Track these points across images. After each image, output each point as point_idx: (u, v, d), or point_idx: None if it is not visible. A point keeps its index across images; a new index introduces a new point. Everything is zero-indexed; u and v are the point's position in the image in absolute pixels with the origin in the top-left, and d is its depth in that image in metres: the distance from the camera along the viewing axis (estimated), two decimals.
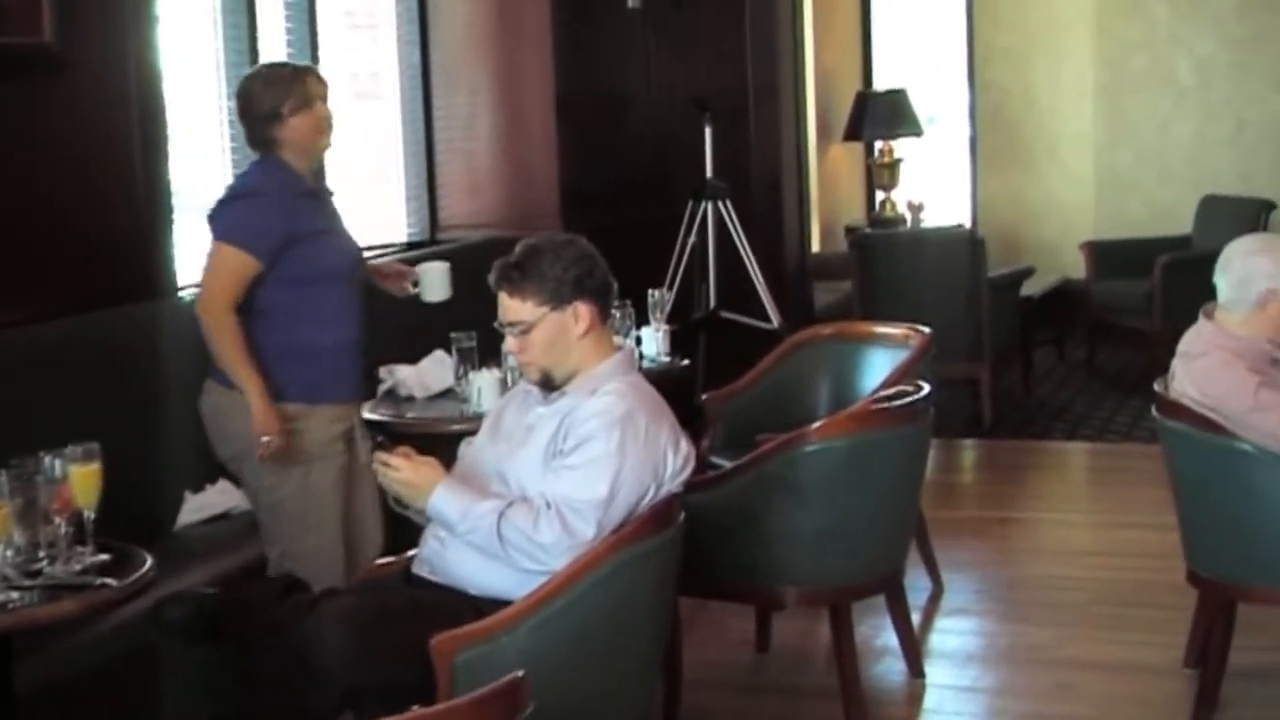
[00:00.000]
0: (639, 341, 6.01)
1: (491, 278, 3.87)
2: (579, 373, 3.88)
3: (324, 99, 4.70)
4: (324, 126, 4.70)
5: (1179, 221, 10.84)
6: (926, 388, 4.91)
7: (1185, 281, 9.76)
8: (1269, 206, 10.43)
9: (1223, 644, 4.69)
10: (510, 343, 3.90)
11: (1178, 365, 4.76)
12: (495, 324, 3.91)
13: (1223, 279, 4.69)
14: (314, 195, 4.76)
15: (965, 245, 9.14)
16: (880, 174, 11.52)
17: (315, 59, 6.60)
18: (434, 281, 5.22)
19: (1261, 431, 4.45)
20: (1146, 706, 5.00)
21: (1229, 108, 11.47)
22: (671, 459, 3.80)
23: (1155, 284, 9.79)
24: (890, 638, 5.29)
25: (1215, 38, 11.49)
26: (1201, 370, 4.63)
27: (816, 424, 4.78)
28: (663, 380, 6.09)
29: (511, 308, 3.85)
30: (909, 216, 11.18)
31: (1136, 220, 11.30)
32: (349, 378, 4.78)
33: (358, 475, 4.71)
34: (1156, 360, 8.73)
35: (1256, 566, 4.57)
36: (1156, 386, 4.83)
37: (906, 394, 4.89)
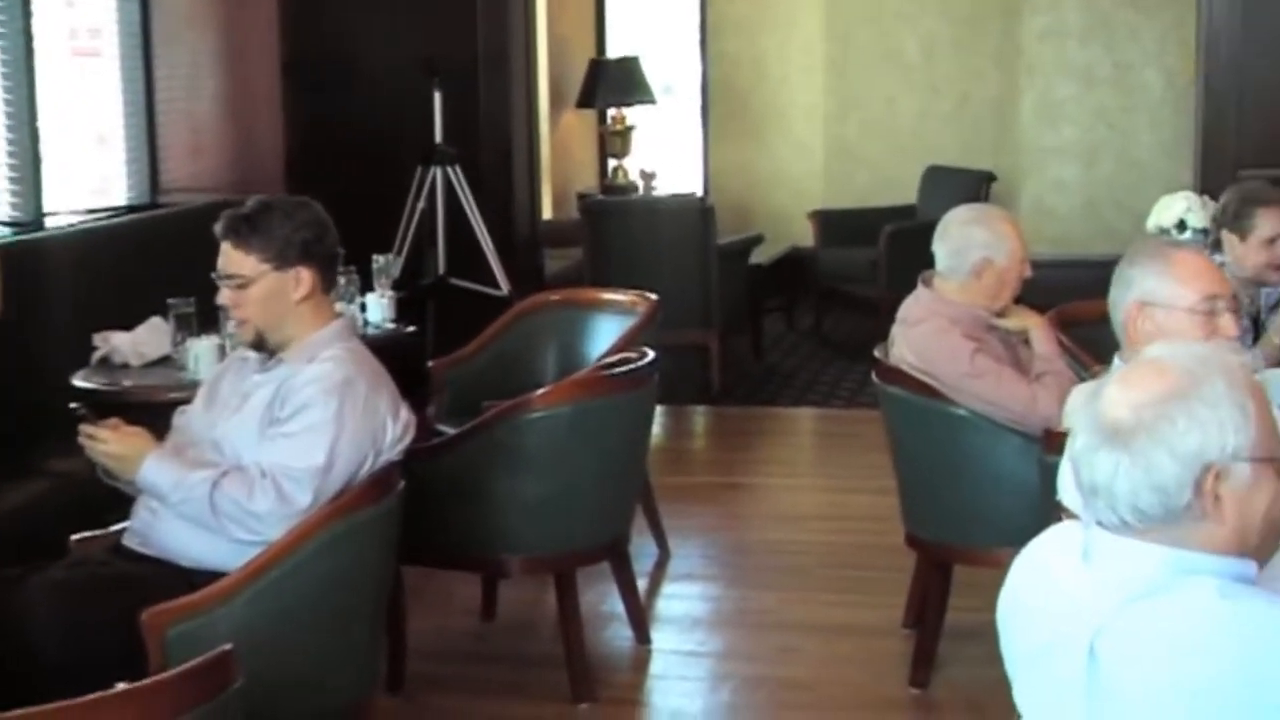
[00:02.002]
0: (364, 308, 5.92)
1: (218, 226, 3.78)
2: (296, 339, 3.80)
3: None
4: None
5: (904, 191, 11.07)
6: (651, 354, 4.92)
7: (910, 250, 9.95)
8: (989, 178, 10.71)
9: (939, 604, 4.79)
10: (225, 295, 3.81)
11: (897, 332, 4.83)
12: (213, 274, 3.81)
13: (940, 248, 4.77)
14: None
15: (695, 213, 9.20)
16: (613, 142, 11.54)
17: (28, 14, 6.36)
18: None
19: (976, 396, 4.55)
20: (866, 666, 5.09)
21: (952, 83, 11.75)
22: (391, 427, 3.75)
23: (881, 252, 9.98)
24: (618, 604, 5.29)
25: (939, 15, 11.76)
26: (919, 336, 4.71)
27: (540, 390, 4.75)
28: (388, 347, 6.02)
29: (234, 260, 3.76)
30: (641, 184, 11.24)
31: (863, 190, 11.51)
32: None
33: None
34: (882, 327, 8.88)
35: (971, 529, 4.67)
36: (876, 353, 4.91)
37: (631, 361, 4.89)
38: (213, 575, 3.50)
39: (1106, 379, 2.23)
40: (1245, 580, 2.14)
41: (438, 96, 7.91)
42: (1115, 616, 2.11)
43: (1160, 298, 3.44)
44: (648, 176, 11.25)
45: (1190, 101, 9.52)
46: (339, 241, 3.89)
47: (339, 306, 5.77)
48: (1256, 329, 5.17)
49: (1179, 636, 2.06)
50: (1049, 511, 3.26)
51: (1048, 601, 2.25)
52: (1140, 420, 2.11)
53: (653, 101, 11.48)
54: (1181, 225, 7.70)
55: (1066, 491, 3.06)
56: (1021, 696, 2.30)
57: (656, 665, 5.21)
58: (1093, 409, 2.17)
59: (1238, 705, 1.99)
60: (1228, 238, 5.24)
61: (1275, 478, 2.14)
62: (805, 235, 10.92)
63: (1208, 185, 8.11)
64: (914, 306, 4.80)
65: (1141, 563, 2.13)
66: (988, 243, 4.67)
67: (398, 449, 3.77)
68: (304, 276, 3.78)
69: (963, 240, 4.70)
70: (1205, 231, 6.48)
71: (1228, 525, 2.11)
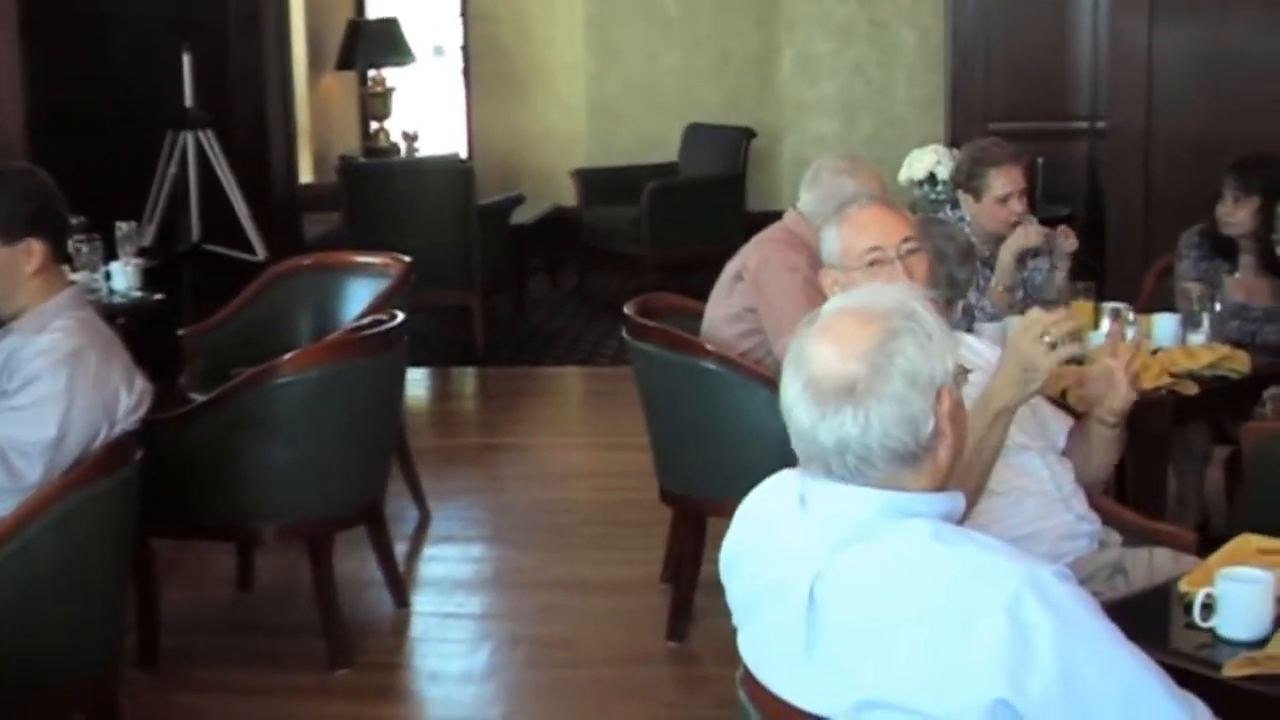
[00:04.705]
0: (108, 276, 5.79)
1: None
2: (28, 309, 3.70)
3: None
4: None
5: (666, 149, 11.11)
6: (400, 316, 4.88)
7: (672, 207, 10.09)
8: (750, 134, 10.81)
9: (694, 558, 4.85)
10: None
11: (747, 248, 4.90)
12: None
13: (808, 193, 4.87)
14: None
15: (455, 174, 9.16)
16: (373, 104, 11.44)
17: None
18: None
19: (773, 306, 4.66)
20: (625, 622, 5.13)
21: (712, 40, 11.80)
22: (125, 397, 3.67)
23: (643, 210, 10.00)
24: (377, 569, 5.26)
25: None
26: (769, 240, 4.85)
27: (288, 356, 4.69)
28: (135, 315, 5.94)
29: None
30: (404, 146, 11.15)
31: (626, 148, 11.52)
32: None
33: None
34: (646, 284, 8.97)
35: (722, 481, 4.68)
36: (627, 309, 4.93)
37: (380, 323, 4.85)
38: None
39: (800, 344, 2.24)
40: (955, 513, 2.22)
41: (187, 59, 7.76)
42: (833, 560, 2.15)
43: (834, 258, 3.52)
44: (410, 138, 11.17)
45: (942, 58, 9.71)
46: (67, 208, 3.77)
47: (82, 275, 5.69)
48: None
49: (894, 578, 2.12)
50: (797, 462, 3.31)
51: (768, 548, 2.29)
52: (876, 365, 2.15)
53: (413, 61, 11.38)
54: (932, 178, 7.88)
55: None
56: (745, 643, 2.34)
57: (416, 628, 5.20)
58: (805, 377, 2.19)
59: (948, 643, 2.04)
60: (964, 198, 5.36)
61: (961, 400, 2.25)
62: (569, 194, 10.92)
63: (958, 139, 8.30)
64: (776, 225, 4.93)
65: (857, 508, 2.18)
66: (856, 195, 4.73)
67: (133, 419, 3.69)
68: (35, 248, 3.67)
69: (832, 188, 4.76)
70: None
71: (952, 444, 2.19)
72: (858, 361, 2.15)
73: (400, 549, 5.61)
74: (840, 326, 2.20)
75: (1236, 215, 5.23)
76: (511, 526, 6.18)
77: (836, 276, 3.49)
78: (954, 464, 2.23)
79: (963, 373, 2.22)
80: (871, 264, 3.42)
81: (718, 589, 2.44)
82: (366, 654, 4.91)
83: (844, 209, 3.56)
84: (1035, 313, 3.18)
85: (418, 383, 8.33)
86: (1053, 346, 3.03)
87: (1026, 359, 3.05)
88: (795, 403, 2.20)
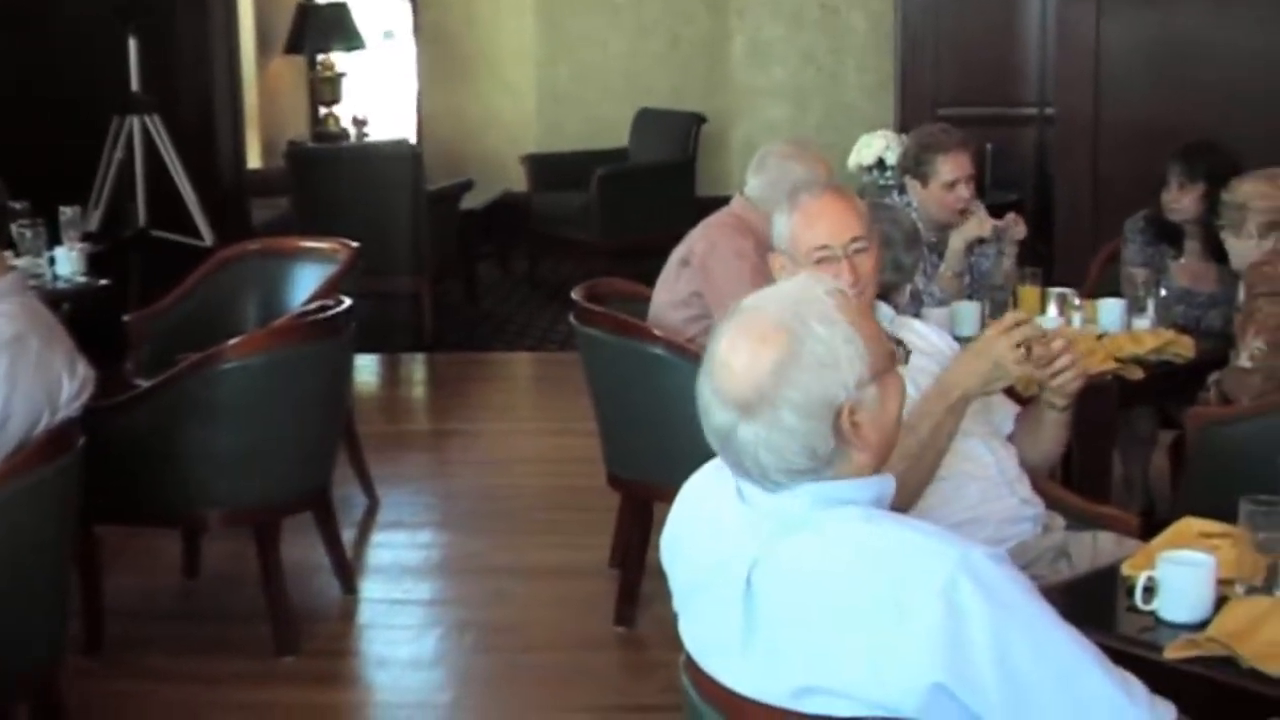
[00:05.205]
0: (52, 262, 5.75)
1: None
2: None
3: None
4: None
5: (616, 135, 11.09)
6: (347, 301, 4.86)
7: (622, 193, 10.08)
8: (700, 120, 10.81)
9: (641, 543, 4.85)
10: None
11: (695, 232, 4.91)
12: None
13: (755, 177, 4.89)
14: None
15: (404, 159, 9.10)
16: (323, 89, 11.38)
17: None
18: None
19: (718, 290, 4.67)
20: (573, 607, 5.13)
21: (663, 24, 11.79)
22: (68, 383, 3.64)
23: (593, 196, 9.99)
24: (325, 555, 5.24)
25: None
26: (717, 225, 4.87)
27: (233, 341, 4.66)
28: (80, 301, 5.90)
29: None
30: (354, 131, 11.11)
31: (576, 134, 11.50)
32: None
33: None
34: (596, 270, 8.95)
35: (668, 466, 4.65)
36: (574, 294, 4.92)
37: (326, 308, 4.82)
38: None
39: (713, 344, 2.23)
40: (885, 497, 2.23)
41: (133, 42, 7.70)
42: (770, 548, 2.15)
43: (785, 243, 3.49)
44: (360, 123, 11.13)
45: (893, 44, 9.72)
46: (5, 193, 3.74)
47: (25, 261, 5.65)
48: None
49: (830, 566, 2.13)
50: None
51: (707, 534, 2.29)
52: (763, 394, 2.15)
53: (363, 46, 11.33)
54: (881, 163, 7.90)
55: None
56: (686, 629, 2.34)
57: (364, 614, 5.19)
58: (711, 376, 2.20)
59: (885, 629, 2.05)
60: (910, 183, 5.37)
61: (898, 376, 2.25)
62: (519, 180, 10.90)
63: (907, 124, 8.31)
64: (723, 210, 4.95)
65: (790, 502, 2.19)
66: (804, 179, 4.73)
67: (76, 405, 3.66)
68: None
69: (780, 173, 4.77)
70: None
71: (873, 444, 2.19)
72: (751, 389, 2.16)
73: (348, 535, 5.60)
74: (743, 337, 2.19)
75: (1181, 201, 5.26)
76: (460, 512, 6.16)
77: (785, 263, 3.49)
78: (884, 450, 2.23)
79: (904, 353, 2.23)
80: (819, 262, 3.42)
81: (665, 574, 2.44)
82: (314, 641, 4.89)
83: (798, 195, 3.53)
84: (1015, 316, 3.24)
85: (367, 369, 8.30)
86: (1025, 356, 3.11)
87: (998, 359, 3.13)
88: (708, 404, 2.21)
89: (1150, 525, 3.44)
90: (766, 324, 2.18)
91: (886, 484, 2.23)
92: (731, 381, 2.17)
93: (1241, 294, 4.64)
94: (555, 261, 10.63)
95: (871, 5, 11.26)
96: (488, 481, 6.54)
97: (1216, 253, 5.17)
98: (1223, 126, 6.51)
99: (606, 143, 11.06)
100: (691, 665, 2.30)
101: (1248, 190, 4.73)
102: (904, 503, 2.85)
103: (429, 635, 5.02)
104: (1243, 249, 4.72)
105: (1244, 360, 4.46)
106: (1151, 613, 2.78)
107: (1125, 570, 2.92)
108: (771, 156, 4.90)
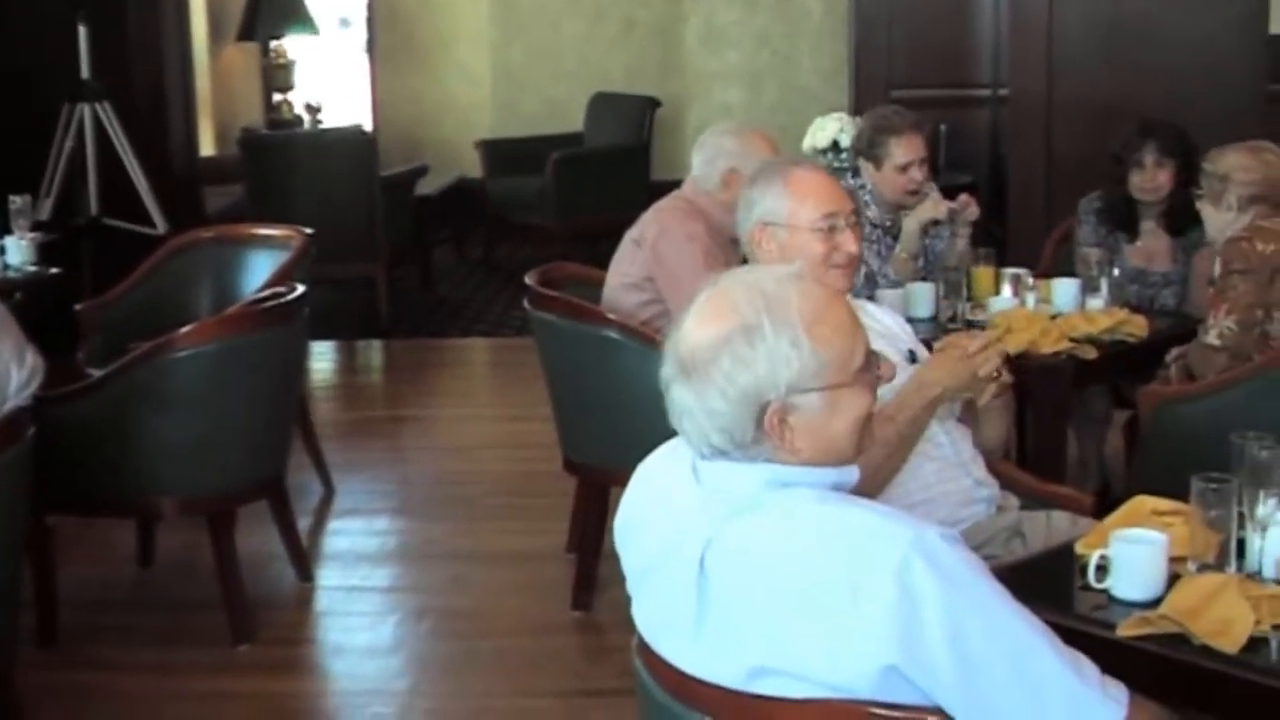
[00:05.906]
0: (3, 251, 5.71)
1: None
2: None
3: None
4: None
5: (571, 119, 11.08)
6: (300, 288, 4.84)
7: (577, 177, 10.06)
8: (654, 104, 10.80)
9: (598, 527, 4.83)
10: None
11: (646, 216, 4.92)
12: None
13: (696, 156, 4.91)
14: None
15: (358, 145, 9.10)
16: (276, 75, 11.30)
17: None
18: None
19: (672, 276, 4.67)
20: (532, 592, 5.12)
21: (617, 7, 11.75)
22: (16, 372, 3.63)
23: (548, 180, 9.98)
24: (281, 543, 5.22)
25: None
26: (667, 211, 4.86)
27: (185, 329, 4.63)
28: (31, 290, 5.86)
29: None
30: (307, 118, 11.04)
31: (531, 118, 11.47)
32: None
33: None
34: (553, 255, 8.93)
35: (623, 451, 4.64)
36: (528, 279, 4.90)
37: (280, 295, 4.80)
38: None
39: (704, 289, 2.25)
40: (845, 485, 2.23)
41: (83, 29, 7.64)
42: (722, 529, 2.15)
43: (780, 217, 3.44)
44: (313, 110, 11.05)
45: (847, 27, 9.72)
46: None
47: None
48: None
49: (783, 546, 2.13)
50: None
51: (660, 516, 2.29)
52: (697, 362, 2.18)
53: (315, 32, 11.27)
54: (835, 146, 7.90)
55: None
56: (639, 611, 2.33)
57: (320, 602, 5.17)
58: (675, 337, 2.22)
59: (838, 609, 2.05)
60: (865, 165, 5.36)
61: (864, 391, 2.22)
62: (474, 165, 10.87)
63: (861, 107, 8.30)
64: (673, 194, 4.96)
65: (743, 481, 2.19)
66: (736, 153, 4.74)
67: (25, 394, 3.65)
68: None
69: (714, 150, 4.79)
70: None
71: (802, 452, 2.18)
72: (689, 354, 2.19)
73: (304, 523, 5.59)
74: (711, 305, 2.21)
75: (1159, 179, 5.25)
76: (417, 499, 6.15)
77: (782, 237, 3.45)
78: (819, 458, 2.20)
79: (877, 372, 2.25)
80: (825, 230, 3.39)
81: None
82: (270, 629, 4.87)
83: (785, 169, 3.49)
84: (1000, 346, 3.31)
85: (322, 355, 8.28)
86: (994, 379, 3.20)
87: (977, 378, 3.20)
88: (666, 351, 2.24)
89: (1105, 504, 3.44)
90: (728, 302, 2.20)
91: (846, 474, 2.23)
92: (681, 339, 2.21)
93: (1217, 268, 4.56)
94: (511, 246, 10.61)
95: None
96: (444, 467, 6.53)
97: (1174, 229, 5.19)
98: (1172, 106, 6.54)
99: (561, 127, 11.04)
100: (644, 648, 2.30)
101: (1230, 162, 4.69)
102: (872, 491, 2.85)
103: (386, 622, 5.01)
104: (1220, 220, 4.68)
105: (1212, 337, 4.41)
106: (1104, 591, 2.79)
107: (1078, 549, 2.93)
108: (709, 135, 4.95)
